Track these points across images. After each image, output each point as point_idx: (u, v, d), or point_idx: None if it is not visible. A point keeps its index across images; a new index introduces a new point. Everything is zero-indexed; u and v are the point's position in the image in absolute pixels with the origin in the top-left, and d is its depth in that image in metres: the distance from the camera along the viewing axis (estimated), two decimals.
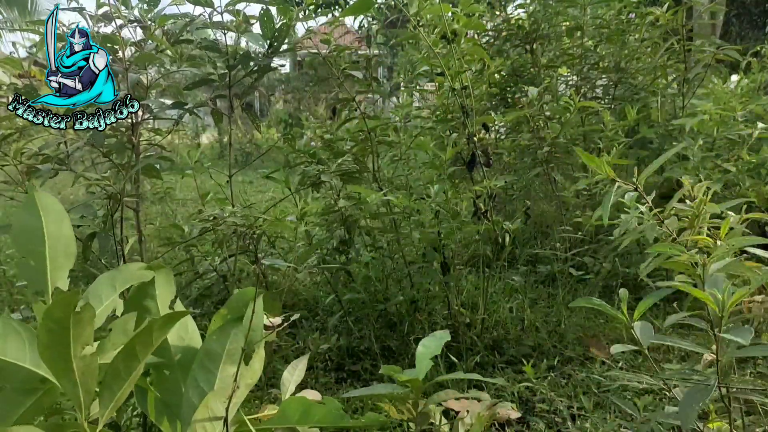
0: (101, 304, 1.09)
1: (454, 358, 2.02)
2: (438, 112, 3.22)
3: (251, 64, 1.61)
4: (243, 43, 1.77)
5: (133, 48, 1.42)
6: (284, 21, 1.62)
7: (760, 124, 2.25)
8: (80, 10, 1.34)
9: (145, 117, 1.47)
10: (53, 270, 1.04)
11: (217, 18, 1.55)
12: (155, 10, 1.40)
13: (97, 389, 0.94)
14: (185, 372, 1.09)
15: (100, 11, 1.36)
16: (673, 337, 2.14)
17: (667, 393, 1.08)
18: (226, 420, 1.09)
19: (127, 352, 0.92)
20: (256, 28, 1.67)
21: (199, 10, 1.51)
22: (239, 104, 1.78)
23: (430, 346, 1.52)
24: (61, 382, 0.90)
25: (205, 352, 1.07)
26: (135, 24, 1.39)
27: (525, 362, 2.08)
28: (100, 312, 1.08)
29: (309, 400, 1.18)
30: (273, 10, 1.64)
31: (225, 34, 1.58)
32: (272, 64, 1.74)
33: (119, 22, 1.38)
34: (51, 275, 1.03)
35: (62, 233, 1.07)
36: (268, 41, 1.65)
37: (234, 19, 1.56)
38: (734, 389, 0.98)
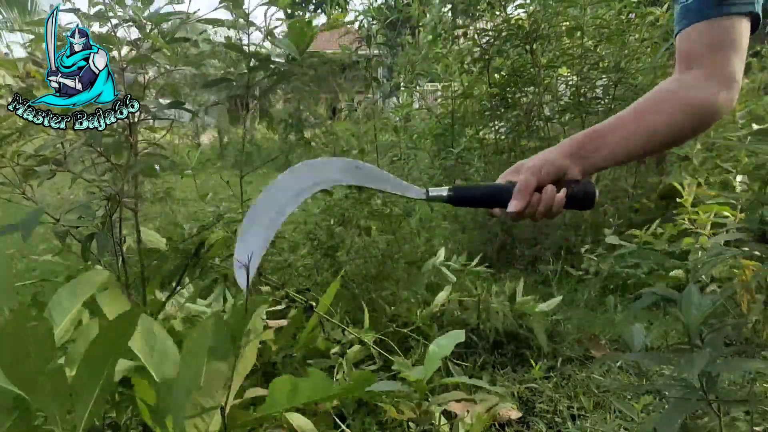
0: (64, 316, 1.07)
1: (454, 359, 2.02)
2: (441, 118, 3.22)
3: (272, 66, 1.61)
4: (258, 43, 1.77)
5: (128, 48, 1.42)
6: (308, 30, 1.62)
7: (754, 126, 2.25)
8: (76, 11, 1.33)
9: (143, 118, 1.46)
10: None
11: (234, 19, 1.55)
12: (150, 9, 1.39)
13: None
14: (166, 374, 1.07)
15: (94, 10, 1.35)
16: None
17: (667, 392, 1.08)
18: (223, 415, 1.09)
19: (89, 359, 0.91)
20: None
21: (201, 8, 1.51)
22: (255, 104, 1.77)
23: (443, 345, 1.51)
24: (31, 398, 0.89)
25: (188, 350, 1.06)
26: (131, 24, 1.38)
27: (525, 363, 2.08)
28: (66, 323, 1.06)
29: (294, 378, 1.16)
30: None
31: (249, 35, 1.57)
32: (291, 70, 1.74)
33: (114, 21, 1.38)
34: None
35: None
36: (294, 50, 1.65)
37: (263, 25, 1.55)
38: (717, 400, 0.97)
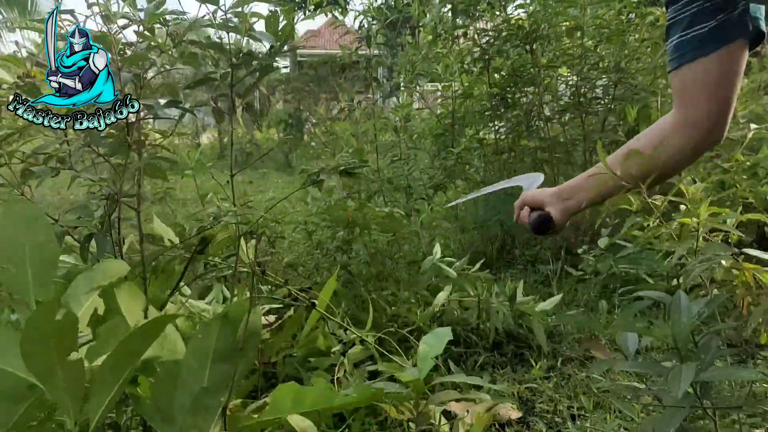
0: (81, 306, 1.08)
1: (454, 358, 2.02)
2: (442, 118, 3.22)
3: (254, 63, 1.61)
4: (244, 42, 1.77)
5: (124, 47, 1.41)
6: (287, 22, 1.62)
7: (752, 125, 2.24)
8: (71, 12, 1.33)
9: (143, 117, 1.46)
10: (35, 278, 1.03)
11: (219, 16, 1.55)
12: (150, 9, 1.39)
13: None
14: (172, 375, 1.08)
15: (92, 10, 1.35)
16: None
17: (662, 398, 1.07)
18: (224, 417, 1.09)
19: (114, 358, 0.91)
20: (258, 26, 1.67)
21: (203, 9, 1.50)
22: (241, 103, 1.76)
23: (432, 344, 1.51)
24: (47, 388, 0.90)
25: (192, 351, 1.06)
26: (129, 23, 1.38)
27: (525, 363, 2.08)
28: (82, 314, 1.07)
29: (299, 386, 1.18)
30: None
31: (228, 33, 1.58)
32: (275, 65, 1.74)
33: (122, 21, 1.37)
34: (33, 283, 1.02)
35: (41, 240, 1.06)
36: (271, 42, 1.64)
37: (239, 20, 1.55)
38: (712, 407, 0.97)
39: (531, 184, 1.23)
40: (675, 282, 2.46)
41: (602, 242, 2.68)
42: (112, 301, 1.13)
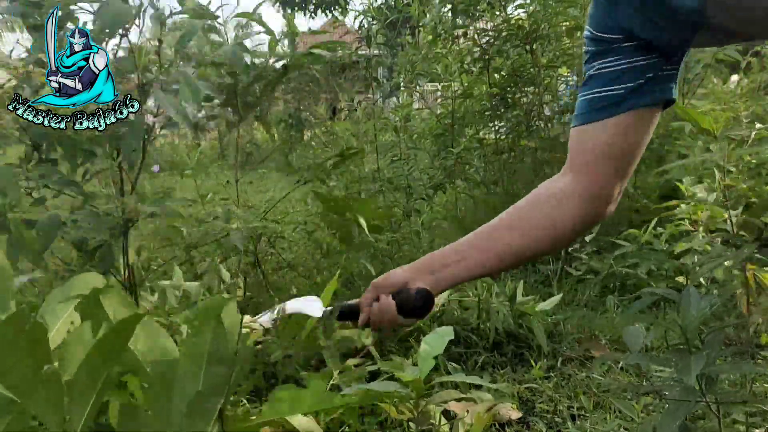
0: (58, 320, 1.05)
1: (454, 358, 2.01)
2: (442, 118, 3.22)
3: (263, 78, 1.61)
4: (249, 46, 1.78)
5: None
6: (291, 32, 1.63)
7: (758, 125, 2.25)
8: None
9: (150, 121, 1.47)
10: None
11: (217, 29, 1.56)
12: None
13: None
14: (164, 380, 1.06)
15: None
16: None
17: (666, 393, 1.07)
18: (221, 420, 1.09)
19: (89, 363, 0.89)
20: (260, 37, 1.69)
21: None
22: (252, 112, 1.76)
23: (433, 344, 1.51)
24: (25, 402, 0.88)
25: (187, 355, 1.05)
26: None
27: (525, 363, 2.08)
28: (59, 327, 1.04)
29: (297, 389, 1.17)
30: (276, 29, 1.66)
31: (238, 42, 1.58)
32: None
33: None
34: None
35: None
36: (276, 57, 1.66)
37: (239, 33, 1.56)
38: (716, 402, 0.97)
39: (312, 308, 1.05)
40: (675, 281, 2.46)
41: (588, 238, 2.68)
42: (96, 308, 1.08)
